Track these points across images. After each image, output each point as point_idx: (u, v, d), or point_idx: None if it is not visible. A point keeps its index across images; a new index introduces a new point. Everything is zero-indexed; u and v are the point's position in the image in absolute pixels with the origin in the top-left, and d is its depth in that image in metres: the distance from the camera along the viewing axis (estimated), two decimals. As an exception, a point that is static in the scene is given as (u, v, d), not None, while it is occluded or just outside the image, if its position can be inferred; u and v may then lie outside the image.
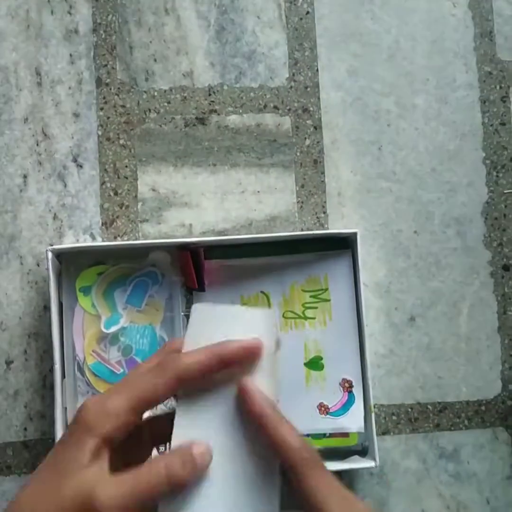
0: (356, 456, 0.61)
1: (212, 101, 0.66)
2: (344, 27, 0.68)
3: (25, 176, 0.63)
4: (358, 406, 0.61)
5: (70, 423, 0.36)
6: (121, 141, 0.65)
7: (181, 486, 0.35)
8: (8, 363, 0.62)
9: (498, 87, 0.69)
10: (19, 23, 0.64)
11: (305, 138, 0.66)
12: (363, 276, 0.62)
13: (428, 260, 0.66)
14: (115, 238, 0.64)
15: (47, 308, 0.61)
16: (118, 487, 0.33)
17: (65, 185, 0.64)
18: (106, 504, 0.33)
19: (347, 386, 0.61)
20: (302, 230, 0.65)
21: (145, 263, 0.61)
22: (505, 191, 0.68)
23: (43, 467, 0.35)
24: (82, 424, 0.35)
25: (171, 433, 0.36)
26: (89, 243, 0.63)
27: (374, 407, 0.61)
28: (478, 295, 0.67)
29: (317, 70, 0.67)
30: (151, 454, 0.40)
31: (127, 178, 0.64)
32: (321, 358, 0.62)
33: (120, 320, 0.60)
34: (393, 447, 0.64)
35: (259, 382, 0.36)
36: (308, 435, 0.61)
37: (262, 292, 0.62)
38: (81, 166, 0.64)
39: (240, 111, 0.66)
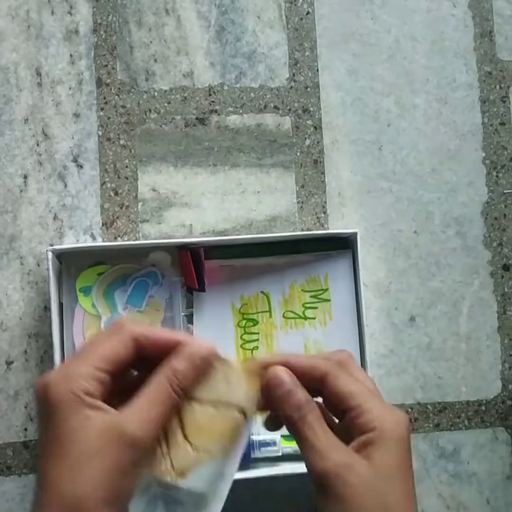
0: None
1: (212, 101, 0.66)
2: (344, 27, 0.68)
3: (25, 177, 0.63)
4: (358, 406, 0.61)
5: (38, 400, 0.34)
6: (122, 141, 0.65)
7: (193, 383, 0.35)
8: (8, 363, 0.62)
9: (498, 87, 0.69)
10: (20, 23, 0.64)
11: (305, 138, 0.67)
12: (363, 276, 0.62)
13: (428, 260, 0.66)
14: (115, 238, 0.64)
15: (47, 308, 0.61)
16: (139, 414, 0.33)
17: (66, 185, 0.64)
18: (138, 434, 0.33)
19: (347, 386, 0.61)
20: (302, 230, 0.65)
21: (145, 263, 0.61)
22: (505, 191, 0.68)
23: (45, 451, 0.34)
24: (56, 393, 0.33)
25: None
26: (89, 243, 0.63)
27: (374, 407, 0.61)
28: (478, 295, 0.67)
29: (317, 70, 0.67)
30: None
31: (127, 178, 0.64)
32: (321, 358, 0.62)
33: (120, 320, 0.60)
34: (393, 447, 0.64)
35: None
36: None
37: (262, 292, 0.63)
38: (81, 166, 0.64)
39: (240, 111, 0.66)
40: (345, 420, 0.37)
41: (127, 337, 0.35)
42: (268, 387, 0.37)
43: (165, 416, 0.34)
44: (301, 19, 0.67)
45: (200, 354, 0.36)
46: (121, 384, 0.36)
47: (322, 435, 0.36)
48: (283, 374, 0.37)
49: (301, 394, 0.37)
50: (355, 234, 0.61)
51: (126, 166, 0.65)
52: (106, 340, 0.35)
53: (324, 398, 0.39)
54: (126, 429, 0.33)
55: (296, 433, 0.37)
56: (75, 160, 0.64)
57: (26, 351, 0.62)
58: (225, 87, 0.66)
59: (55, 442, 0.33)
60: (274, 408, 0.38)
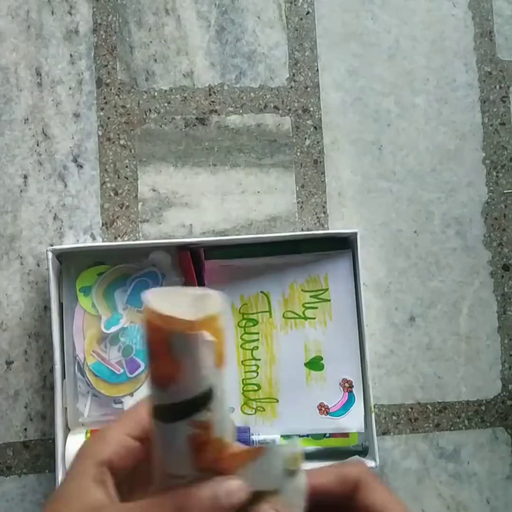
0: (356, 456, 0.61)
1: (212, 101, 0.66)
2: (344, 27, 0.68)
3: (25, 176, 0.63)
4: (358, 406, 0.61)
5: (74, 457, 0.35)
6: (122, 141, 0.65)
7: None
8: (9, 363, 0.62)
9: (498, 87, 0.69)
10: (20, 23, 0.64)
11: (305, 138, 0.67)
12: (363, 276, 0.62)
13: (428, 260, 0.66)
14: (115, 238, 0.64)
15: (47, 308, 0.61)
16: None
17: (66, 185, 0.64)
18: None
19: (347, 386, 0.61)
20: (302, 230, 0.65)
21: (145, 263, 0.61)
22: (505, 191, 0.68)
23: (51, 500, 0.35)
24: (83, 454, 0.34)
25: None
26: (89, 243, 0.63)
27: (374, 407, 0.61)
28: (478, 295, 0.67)
29: (317, 70, 0.67)
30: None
31: (127, 178, 0.64)
32: (321, 358, 0.62)
33: (120, 320, 0.60)
34: (393, 447, 0.64)
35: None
36: (308, 435, 0.61)
37: (262, 292, 0.63)
38: (81, 166, 0.64)
39: (240, 111, 0.66)
40: None
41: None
42: None
43: None
44: (301, 19, 0.67)
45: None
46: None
47: None
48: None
49: None
50: (355, 234, 0.61)
51: (126, 166, 0.65)
52: (137, 406, 0.35)
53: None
54: None
55: None
56: (75, 160, 0.64)
57: (26, 351, 0.62)
58: (225, 87, 0.66)
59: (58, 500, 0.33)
60: None
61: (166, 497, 0.31)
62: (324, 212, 0.66)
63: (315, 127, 0.67)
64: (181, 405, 0.28)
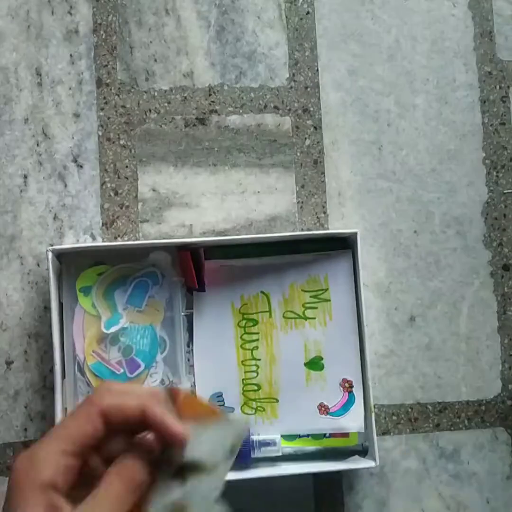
0: (356, 456, 0.61)
1: (212, 101, 0.66)
2: (344, 27, 0.68)
3: (25, 177, 0.63)
4: (358, 406, 0.61)
5: (8, 484, 0.34)
6: (122, 141, 0.65)
7: (139, 490, 0.34)
8: (8, 363, 0.62)
9: (498, 87, 0.69)
10: (20, 23, 0.64)
11: (305, 138, 0.67)
12: (363, 276, 0.62)
13: (428, 260, 0.66)
14: (115, 238, 0.64)
15: (47, 308, 0.61)
16: None
17: (66, 185, 0.64)
18: None
19: (347, 386, 0.61)
20: (302, 230, 0.65)
21: (145, 264, 0.61)
22: (505, 191, 0.68)
23: None
24: (23, 480, 0.33)
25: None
26: (89, 243, 0.63)
27: (374, 407, 0.61)
28: (478, 295, 0.67)
29: (317, 70, 0.67)
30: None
31: (127, 178, 0.64)
32: (321, 358, 0.62)
33: (120, 320, 0.60)
34: (393, 447, 0.64)
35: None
36: (308, 435, 0.61)
37: (262, 292, 0.63)
38: (81, 166, 0.64)
39: (240, 111, 0.66)
40: None
41: (95, 413, 0.35)
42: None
43: None
44: (301, 19, 0.67)
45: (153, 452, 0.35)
46: (96, 459, 0.36)
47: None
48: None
49: None
50: (355, 234, 0.61)
51: (126, 166, 0.65)
52: (74, 419, 0.35)
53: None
54: None
55: None
56: (75, 160, 0.64)
57: (26, 351, 0.62)
58: (225, 87, 0.66)
59: None
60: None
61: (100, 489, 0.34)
62: (324, 212, 0.66)
63: (315, 127, 0.67)
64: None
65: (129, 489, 0.34)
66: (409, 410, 0.65)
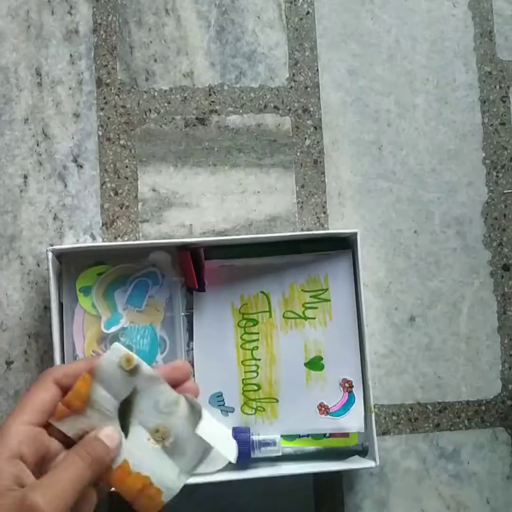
0: (356, 456, 0.61)
1: (212, 101, 0.66)
2: (344, 27, 0.68)
3: (25, 177, 0.63)
4: (358, 406, 0.61)
5: None
6: (122, 141, 0.65)
7: (104, 467, 0.38)
8: (9, 363, 0.62)
9: (498, 87, 0.69)
10: (20, 23, 0.64)
11: (305, 138, 0.67)
12: (363, 276, 0.62)
13: (428, 260, 0.66)
14: (115, 238, 0.64)
15: (47, 308, 0.61)
16: (51, 489, 0.35)
17: (66, 186, 0.64)
18: (48, 508, 0.34)
19: (347, 386, 0.61)
20: (302, 230, 0.65)
21: (145, 263, 0.61)
22: (505, 191, 0.68)
23: None
24: None
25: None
26: (89, 243, 0.63)
27: (374, 407, 0.61)
28: (478, 295, 0.67)
29: (317, 70, 0.67)
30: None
31: (127, 178, 0.64)
32: (321, 358, 0.62)
33: (120, 320, 0.60)
34: (393, 447, 0.64)
35: None
36: (308, 435, 0.61)
37: (262, 292, 0.63)
38: (81, 166, 0.64)
39: (240, 111, 0.66)
40: None
41: (48, 381, 0.38)
42: None
43: (78, 491, 0.36)
44: (301, 19, 0.67)
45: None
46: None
47: None
48: None
49: None
50: (355, 234, 0.61)
51: (126, 166, 0.65)
52: (32, 392, 0.38)
53: None
54: (37, 507, 0.34)
55: None
56: (75, 160, 0.64)
57: (26, 351, 0.62)
58: (225, 87, 0.66)
59: None
60: None
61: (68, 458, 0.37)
62: (324, 212, 0.66)
63: (315, 127, 0.67)
64: None
65: (91, 461, 0.37)
66: (409, 410, 0.65)
